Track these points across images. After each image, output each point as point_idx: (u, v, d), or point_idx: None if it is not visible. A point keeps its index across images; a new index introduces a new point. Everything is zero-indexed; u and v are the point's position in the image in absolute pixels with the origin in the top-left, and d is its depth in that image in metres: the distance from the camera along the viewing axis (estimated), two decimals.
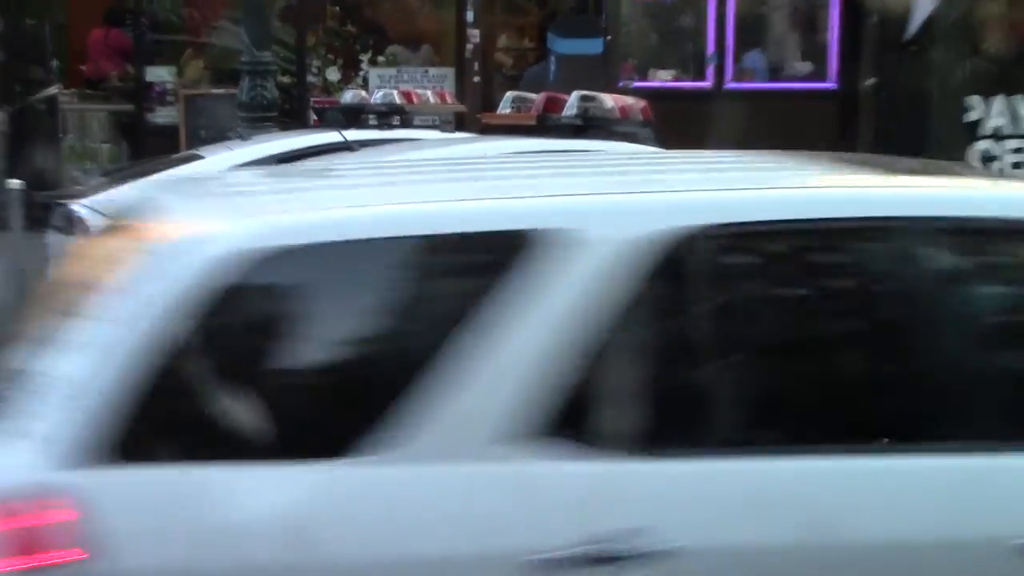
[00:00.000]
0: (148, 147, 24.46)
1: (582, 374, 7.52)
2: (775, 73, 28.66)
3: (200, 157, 18.25)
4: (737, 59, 28.40)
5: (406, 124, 18.73)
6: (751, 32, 28.60)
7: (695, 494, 7.51)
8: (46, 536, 6.41)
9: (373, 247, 7.28)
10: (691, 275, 7.72)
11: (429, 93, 23.01)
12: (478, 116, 23.02)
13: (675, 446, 7.71)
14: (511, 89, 23.34)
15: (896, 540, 7.65)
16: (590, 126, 16.77)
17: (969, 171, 16.88)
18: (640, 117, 17.37)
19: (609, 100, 17.68)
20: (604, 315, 7.60)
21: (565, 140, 15.80)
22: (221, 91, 24.44)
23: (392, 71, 26.48)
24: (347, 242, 7.47)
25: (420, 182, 9.66)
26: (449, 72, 27.09)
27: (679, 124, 20.97)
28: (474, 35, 27.48)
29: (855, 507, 7.60)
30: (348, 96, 22.47)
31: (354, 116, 19.24)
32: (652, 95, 23.14)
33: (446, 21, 27.81)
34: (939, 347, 7.93)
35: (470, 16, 27.45)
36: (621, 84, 24.98)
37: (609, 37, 27.28)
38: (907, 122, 25.53)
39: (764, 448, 7.59)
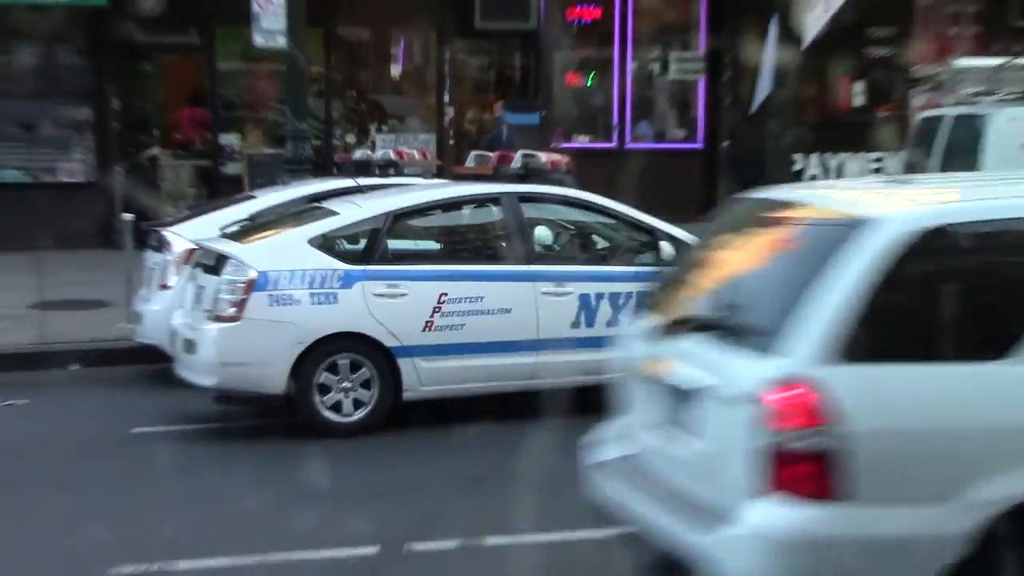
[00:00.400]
0: (221, 191, 24.85)
1: None
2: (659, 137, 28.99)
3: (253, 197, 18.65)
4: (633, 127, 28.95)
5: (399, 173, 18.77)
6: (642, 108, 28.83)
7: None
8: (803, 408, 7.17)
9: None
10: None
11: (415, 152, 23.60)
12: (452, 168, 23.62)
13: None
14: (475, 149, 23.96)
15: None
16: (530, 175, 16.88)
17: None
18: (565, 168, 17.66)
19: (543, 156, 18.14)
20: None
21: (512, 184, 16.26)
22: (272, 151, 24.53)
23: (391, 136, 26.67)
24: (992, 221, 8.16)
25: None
26: (432, 137, 27.33)
27: (594, 173, 21.09)
28: (449, 111, 27.97)
29: None
30: (359, 154, 23.00)
31: (363, 168, 19.66)
32: (574, 153, 23.85)
33: (429, 102, 28.17)
34: None
35: (447, 98, 28.06)
36: (552, 145, 25.24)
37: (544, 112, 27.64)
38: (751, 172, 26.08)
39: None
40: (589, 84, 29.16)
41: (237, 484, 12.97)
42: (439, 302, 14.42)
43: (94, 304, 19.83)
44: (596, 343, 14.63)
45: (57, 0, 25.38)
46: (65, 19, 26.27)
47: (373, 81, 28.73)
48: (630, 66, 28.93)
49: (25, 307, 19.85)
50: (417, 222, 15.34)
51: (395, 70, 28.84)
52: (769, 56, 24.85)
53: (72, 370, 18.12)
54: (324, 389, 14.14)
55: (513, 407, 14.53)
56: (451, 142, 27.38)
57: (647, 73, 29.15)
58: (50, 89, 26.97)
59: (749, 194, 9.55)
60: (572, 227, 15.77)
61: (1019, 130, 18.91)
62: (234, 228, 16.05)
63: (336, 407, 14.20)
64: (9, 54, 26.79)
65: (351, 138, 27.34)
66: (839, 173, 28.91)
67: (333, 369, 14.16)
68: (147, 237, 17.88)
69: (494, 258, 15.06)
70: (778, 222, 8.97)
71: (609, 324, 14.81)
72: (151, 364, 16.67)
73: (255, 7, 22.08)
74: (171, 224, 18.14)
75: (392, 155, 20.71)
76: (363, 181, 17.77)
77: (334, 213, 15.14)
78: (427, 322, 14.37)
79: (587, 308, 14.84)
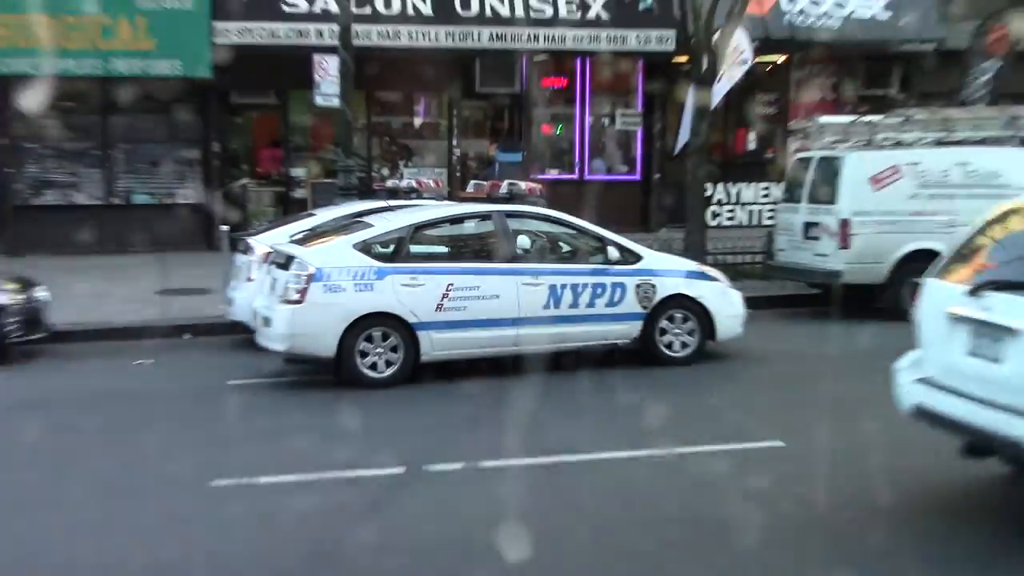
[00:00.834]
0: (290, 210, 24.84)
1: None
2: (608, 171, 28.90)
3: (313, 214, 18.65)
4: (589, 163, 28.91)
5: (419, 197, 18.81)
6: (596, 150, 28.79)
7: None
8: None
9: None
10: None
11: (431, 181, 23.56)
12: (457, 193, 23.57)
13: None
14: (474, 180, 23.87)
15: None
16: (513, 198, 16.78)
17: None
18: (539, 193, 17.67)
19: (523, 185, 17.94)
20: None
21: (501, 204, 16.11)
22: (328, 180, 24.29)
23: (414, 169, 26.57)
24: None
25: None
26: (443, 170, 27.35)
27: (561, 197, 21.15)
28: (456, 152, 27.94)
29: None
30: (390, 183, 22.99)
31: (393, 193, 19.70)
32: (546, 182, 23.81)
33: (442, 145, 28.01)
34: None
35: (455, 142, 27.96)
36: (531, 176, 25.31)
37: (525, 152, 27.71)
38: (675, 198, 26.19)
39: None
40: (558, 132, 29.05)
41: (301, 421, 13.04)
42: (447, 290, 14.49)
43: (200, 291, 19.86)
44: (561, 320, 14.95)
45: (176, 74, 25.31)
46: (182, 87, 26.32)
47: (401, 130, 28.57)
48: (587, 120, 28.86)
49: (152, 293, 19.95)
50: (431, 232, 15.37)
51: (417, 121, 28.70)
52: (687, 113, 24.82)
53: (185, 339, 18.19)
54: (363, 353, 14.22)
55: (501, 367, 14.63)
56: (457, 174, 27.33)
57: (599, 125, 29.02)
58: (170, 136, 27.02)
59: None
60: (544, 236, 15.78)
61: (866, 167, 18.97)
62: (299, 236, 16.12)
63: (372, 366, 14.28)
64: (142, 112, 26.79)
65: (385, 171, 27.25)
66: (738, 197, 29.04)
67: (370, 339, 14.23)
68: (237, 243, 17.89)
69: (487, 258, 15.06)
70: None
71: (571, 306, 15.00)
72: (240, 335, 16.67)
73: (316, 77, 22.12)
74: (254, 233, 18.19)
75: (414, 184, 20.69)
76: (393, 203, 17.77)
77: (371, 225, 15.25)
78: (438, 305, 14.44)
79: (554, 295, 14.87)
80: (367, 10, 24.93)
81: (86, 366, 16.73)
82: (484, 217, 15.65)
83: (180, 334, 18.29)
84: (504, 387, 13.89)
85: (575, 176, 28.54)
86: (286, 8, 25.23)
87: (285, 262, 14.61)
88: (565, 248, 15.80)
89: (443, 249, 15.31)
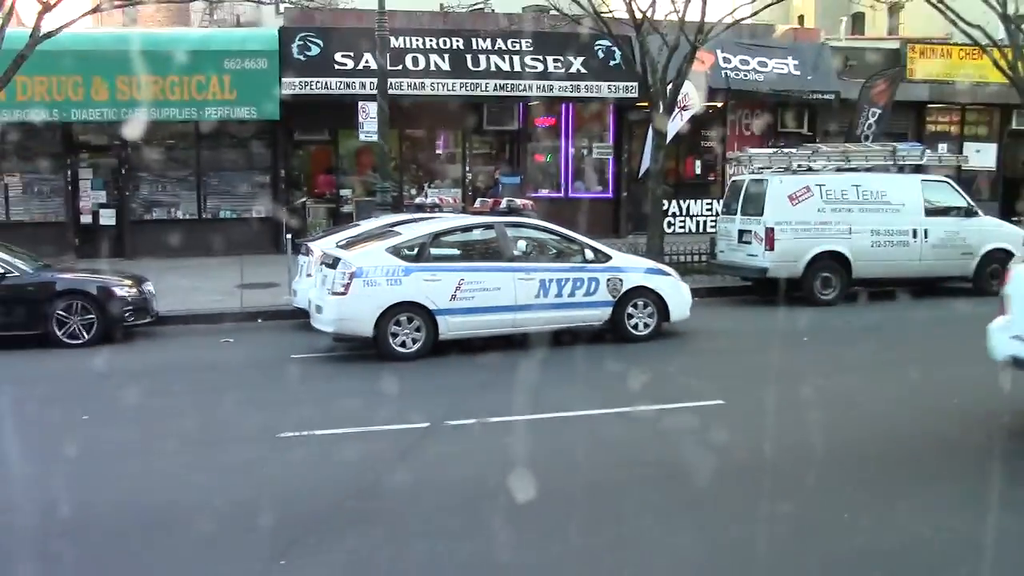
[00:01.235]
0: (339, 222, 24.50)
1: None
2: (587, 190, 28.55)
3: (357, 225, 18.44)
4: (573, 184, 28.59)
5: (439, 211, 18.72)
6: (578, 173, 28.63)
7: None
8: None
9: None
10: None
11: (449, 199, 23.44)
12: (468, 208, 23.38)
13: None
14: (481, 197, 23.71)
15: None
16: (511, 212, 16.68)
17: None
18: (532, 208, 17.58)
19: (519, 201, 17.92)
20: None
21: (502, 217, 15.89)
22: (369, 199, 24.20)
23: (436, 189, 26.30)
24: None
25: None
26: (459, 190, 27.07)
27: (550, 211, 21.14)
28: (468, 175, 27.78)
29: None
30: (417, 200, 22.75)
31: (418, 208, 19.59)
32: (538, 199, 23.75)
33: (457, 170, 27.73)
34: None
35: (467, 168, 27.79)
36: (526, 195, 25.18)
37: (522, 176, 27.56)
38: (640, 212, 26.04)
39: None
40: (548, 160, 28.83)
41: (347, 386, 12.92)
42: (459, 284, 14.31)
43: (270, 285, 19.67)
44: (549, 307, 14.79)
45: (252, 117, 25.29)
46: (256, 127, 26.32)
47: (425, 159, 28.44)
48: (571, 150, 28.69)
49: (233, 287, 19.74)
50: (447, 238, 15.14)
51: (438, 152, 28.58)
52: (648, 145, 24.72)
53: (258, 322, 18.01)
54: (394, 334, 14.03)
55: (507, 344, 14.46)
56: (469, 193, 27.13)
57: (580, 154, 28.87)
58: (247, 165, 26.91)
59: None
60: (535, 241, 15.59)
61: (785, 188, 18.93)
62: (344, 242, 15.91)
63: (402, 344, 14.08)
64: (226, 146, 26.78)
65: (413, 191, 27.08)
66: (687, 211, 28.95)
67: (399, 322, 14.04)
68: (299, 247, 17.76)
69: (491, 259, 14.87)
70: None
71: (556, 296, 14.84)
72: (301, 319, 16.53)
73: (360, 118, 21.97)
74: (312, 240, 18.06)
75: (436, 201, 20.58)
76: (417, 216, 17.63)
77: (400, 233, 15.06)
78: (452, 295, 14.24)
79: (544, 287, 14.70)
80: (399, 67, 24.86)
81: (182, 343, 16.59)
82: (489, 227, 15.46)
83: (254, 319, 18.12)
84: (508, 360, 13.81)
85: (561, 194, 28.23)
86: (336, 66, 25.15)
87: (333, 262, 14.47)
88: (552, 251, 15.61)
89: (456, 251, 15.11)
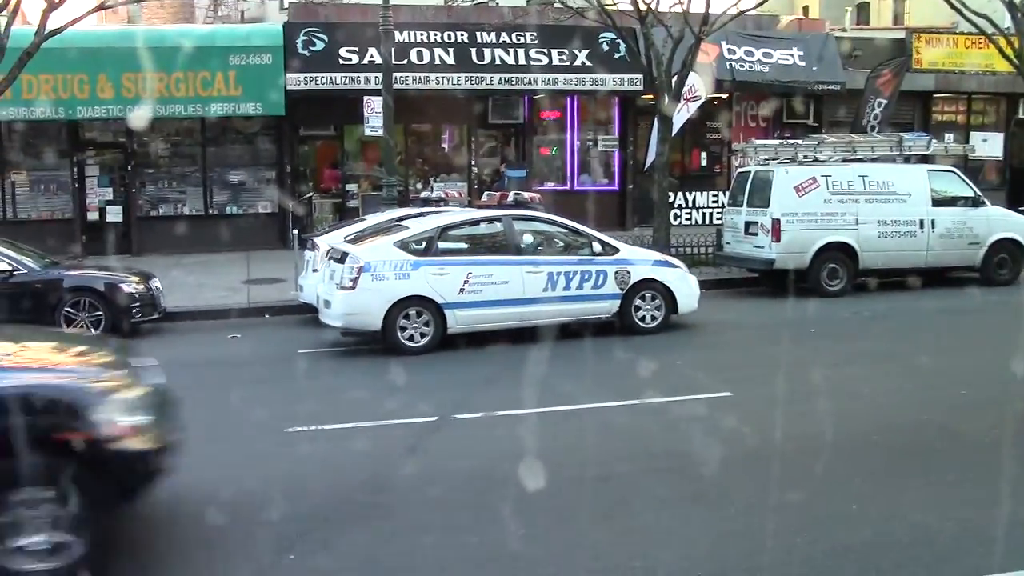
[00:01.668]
0: (346, 217, 24.51)
1: None
2: (593, 183, 28.54)
3: (364, 220, 18.43)
4: (578, 177, 28.63)
5: (446, 205, 18.68)
6: (584, 166, 28.64)
7: None
8: None
9: None
10: None
11: (456, 192, 23.42)
12: (475, 201, 23.37)
13: None
14: (488, 191, 23.73)
15: None
16: (518, 205, 16.68)
17: None
18: (538, 201, 17.59)
19: (526, 194, 17.89)
20: None
21: (509, 210, 15.81)
22: (375, 193, 24.25)
23: (442, 183, 26.30)
24: None
25: None
26: (465, 184, 27.18)
27: (556, 204, 21.02)
28: (474, 168, 27.77)
29: None
30: (423, 194, 22.78)
31: (424, 202, 19.59)
32: (544, 192, 23.67)
33: (463, 164, 27.74)
34: None
35: (473, 162, 27.79)
36: (532, 188, 25.16)
37: (528, 169, 27.43)
38: (646, 205, 25.96)
39: None
40: (554, 153, 28.81)
41: (355, 380, 12.88)
42: (467, 277, 14.33)
43: (276, 280, 19.73)
44: (557, 300, 14.79)
45: (258, 113, 25.33)
46: (262, 122, 26.43)
47: (431, 153, 28.47)
48: (576, 143, 28.66)
49: (240, 282, 19.78)
50: (455, 232, 15.16)
51: (444, 146, 28.57)
52: (653, 137, 24.66)
53: (265, 317, 18.05)
54: (403, 328, 14.05)
55: (514, 337, 14.43)
56: (475, 187, 27.14)
57: (586, 147, 28.83)
58: (253, 161, 26.93)
59: None
60: (542, 234, 15.57)
61: (791, 179, 18.92)
62: (352, 237, 15.94)
63: (410, 338, 14.10)
64: (232, 142, 26.86)
65: (419, 185, 27.08)
66: (693, 203, 28.95)
67: (407, 316, 14.06)
68: (305, 243, 17.77)
69: (498, 252, 14.87)
70: None
71: (564, 289, 14.83)
72: (308, 314, 16.57)
73: (365, 113, 21.99)
74: (318, 235, 18.06)
75: (442, 195, 20.56)
76: (424, 210, 17.60)
77: (407, 227, 15.06)
78: (460, 289, 14.27)
79: (551, 280, 14.72)
80: (404, 61, 24.86)
81: (189, 339, 16.61)
82: (495, 220, 15.46)
83: (261, 314, 18.16)
84: (516, 353, 13.77)
85: (567, 187, 28.22)
86: (341, 61, 25.15)
87: (341, 257, 14.48)
88: (559, 243, 15.61)
89: (464, 245, 15.12)
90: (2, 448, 5.99)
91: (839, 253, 18.91)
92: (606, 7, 23.38)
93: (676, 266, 16.02)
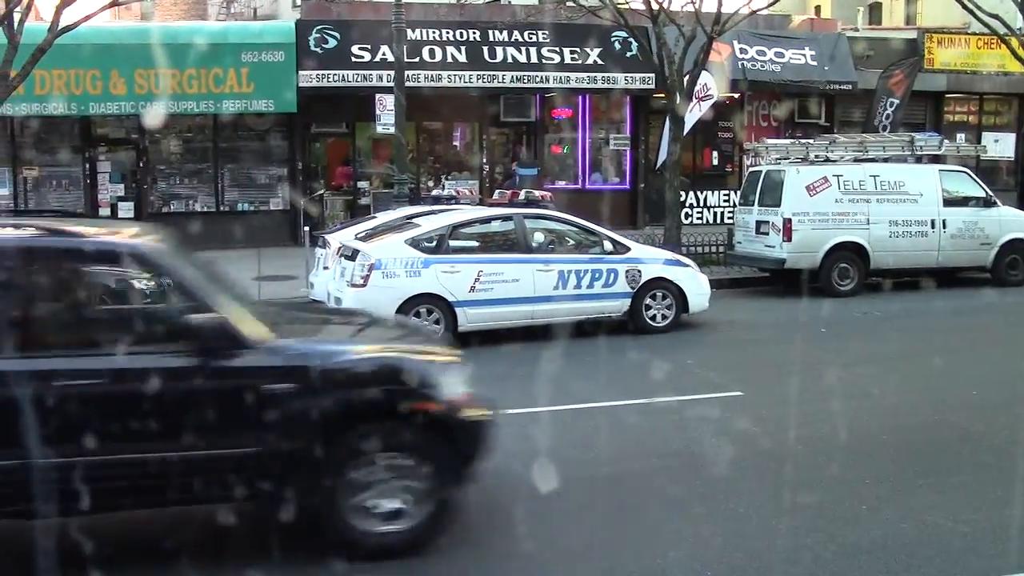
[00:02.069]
0: (357, 214, 24.67)
1: None
2: (604, 182, 28.53)
3: (375, 217, 18.32)
4: (590, 176, 28.66)
5: (457, 203, 18.66)
6: (595, 165, 28.59)
7: None
8: None
9: None
10: None
11: (467, 190, 23.47)
12: (486, 200, 23.35)
13: None
14: (499, 189, 23.77)
15: None
16: (529, 203, 16.71)
17: None
18: (549, 199, 17.60)
19: (537, 193, 17.92)
20: None
21: (520, 208, 15.91)
22: (386, 191, 23.93)
23: (453, 181, 26.27)
24: None
25: None
26: (476, 182, 27.15)
27: (567, 202, 20.97)
28: (485, 166, 27.77)
29: None
30: (434, 192, 22.92)
31: (437, 200, 19.56)
32: (555, 191, 23.67)
33: (474, 162, 27.74)
34: None
35: (484, 160, 27.81)
36: (543, 186, 25.19)
37: (539, 167, 27.42)
38: (656, 203, 25.90)
39: None
40: (565, 151, 28.80)
41: None
42: (478, 276, 14.34)
43: (288, 277, 19.69)
44: (568, 298, 14.80)
45: (269, 110, 25.39)
46: (274, 120, 26.44)
47: (443, 151, 28.48)
48: (588, 142, 28.67)
49: (251, 279, 19.68)
50: (466, 230, 15.15)
51: (456, 144, 28.58)
52: (665, 136, 24.66)
53: None
54: None
55: (526, 335, 14.48)
56: (486, 185, 27.13)
57: (597, 145, 28.82)
58: (265, 158, 26.96)
59: None
60: (553, 233, 15.56)
61: (802, 178, 18.91)
62: (363, 234, 15.92)
63: None
64: (244, 139, 26.87)
65: (430, 183, 27.07)
66: (705, 202, 28.91)
67: (418, 314, 14.02)
68: (316, 240, 17.72)
69: (509, 250, 14.87)
70: None
71: (575, 287, 14.84)
72: None
73: (377, 111, 21.97)
74: (329, 232, 18.00)
75: (453, 193, 20.58)
76: (438, 208, 17.57)
77: (418, 225, 15.08)
78: (471, 287, 14.28)
79: (562, 278, 14.72)
80: (416, 59, 24.88)
81: None
82: (507, 218, 15.44)
83: None
84: (527, 351, 13.75)
85: (578, 186, 28.22)
86: (353, 59, 25.19)
87: (352, 255, 14.48)
88: (570, 242, 15.60)
89: (475, 243, 15.10)
90: (366, 415, 6.72)
91: (850, 253, 18.88)
92: (618, 6, 23.35)
93: (687, 265, 16.01)
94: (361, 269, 14.07)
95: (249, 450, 6.45)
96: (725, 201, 28.64)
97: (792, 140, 22.36)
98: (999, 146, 30.16)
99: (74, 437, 6.11)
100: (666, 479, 8.35)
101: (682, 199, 25.81)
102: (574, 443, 9.50)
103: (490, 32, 26.34)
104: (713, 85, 25.42)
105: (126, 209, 25.89)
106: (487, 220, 15.68)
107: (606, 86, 26.79)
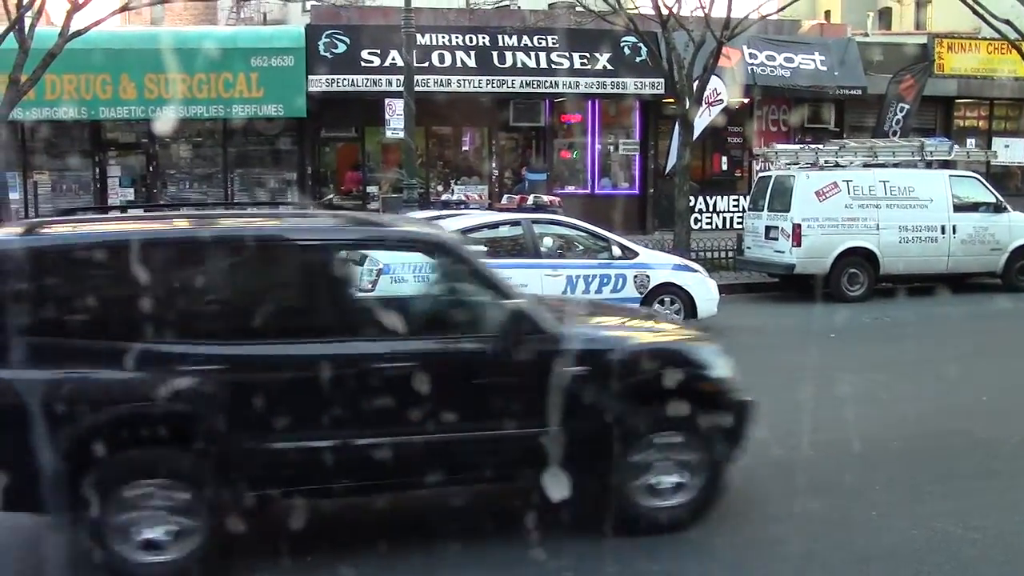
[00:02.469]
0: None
1: None
2: (613, 187, 28.50)
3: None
4: (599, 181, 28.59)
5: (465, 208, 18.74)
6: (605, 170, 28.65)
7: None
8: None
9: None
10: None
11: (476, 195, 23.58)
12: (495, 205, 23.40)
13: None
14: (508, 194, 23.86)
15: None
16: (538, 208, 16.75)
17: None
18: (558, 205, 17.66)
19: (545, 198, 18.06)
20: None
21: (529, 213, 16.06)
22: (396, 195, 24.08)
23: (462, 186, 26.30)
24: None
25: None
26: (485, 187, 27.08)
27: (576, 208, 21.14)
28: (495, 171, 27.67)
29: None
30: (443, 197, 23.03)
31: (444, 205, 19.70)
32: (565, 196, 23.82)
33: (484, 167, 27.64)
34: None
35: (494, 165, 27.71)
36: (552, 191, 25.30)
37: (548, 173, 27.50)
38: (666, 208, 25.89)
39: None
40: (574, 156, 28.81)
41: None
42: None
43: None
44: None
45: (279, 115, 25.37)
46: (284, 124, 26.41)
47: (452, 156, 28.49)
48: (597, 147, 28.67)
49: None
50: (475, 235, 15.06)
51: (465, 149, 28.60)
52: (674, 141, 24.69)
53: None
54: None
55: None
56: (496, 190, 27.11)
57: (606, 151, 28.84)
58: (274, 163, 27.02)
59: None
60: (561, 238, 15.55)
61: (812, 184, 18.94)
62: None
63: None
64: (253, 144, 26.88)
65: (440, 188, 27.10)
66: (714, 207, 28.84)
67: None
68: None
69: (518, 255, 14.85)
70: None
71: (583, 293, 14.76)
72: None
73: (387, 115, 22.03)
74: None
75: (463, 197, 20.64)
76: (447, 213, 17.57)
77: None
78: None
79: (570, 283, 14.72)
80: (426, 64, 24.86)
81: None
82: (515, 223, 15.46)
83: None
84: None
85: (587, 191, 28.18)
86: (363, 64, 25.18)
87: (360, 259, 14.45)
88: (579, 247, 15.60)
89: (483, 248, 15.08)
90: (653, 397, 7.12)
91: (860, 258, 18.86)
92: (628, 11, 23.31)
93: (695, 270, 15.99)
94: (370, 273, 14.01)
95: (548, 430, 6.73)
96: (735, 206, 28.57)
97: (802, 145, 22.33)
98: (1009, 151, 30.08)
99: (400, 417, 6.54)
100: None
101: (691, 204, 25.80)
102: None
103: (500, 37, 26.31)
104: (723, 90, 25.37)
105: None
106: (495, 225, 15.64)
107: (616, 91, 26.78)
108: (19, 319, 6.13)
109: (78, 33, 19.27)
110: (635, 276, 15.09)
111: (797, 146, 21.99)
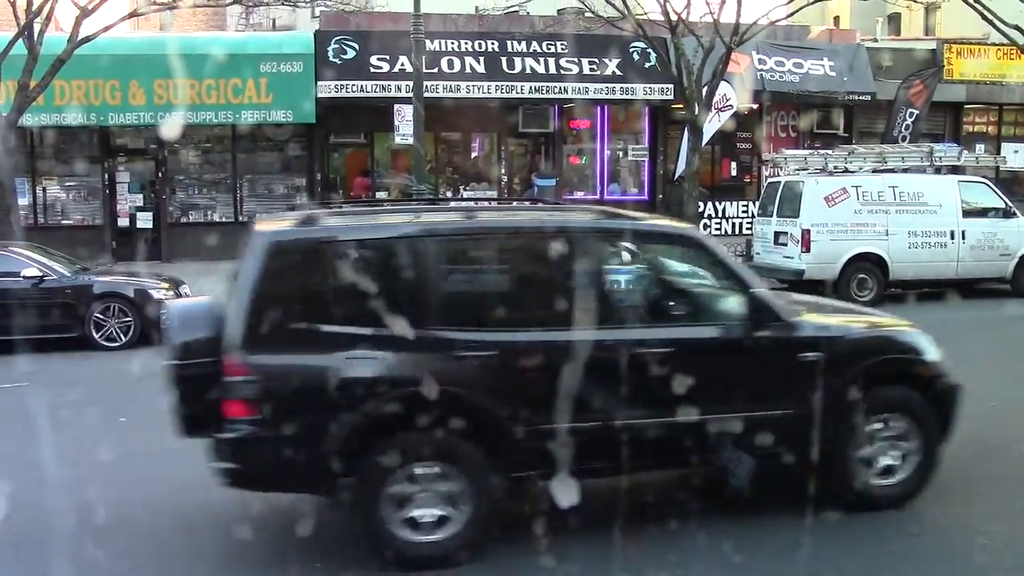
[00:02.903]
0: None
1: None
2: (623, 192, 28.49)
3: None
4: (608, 186, 28.56)
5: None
6: (614, 175, 28.65)
7: None
8: None
9: None
10: None
11: (485, 201, 23.49)
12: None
13: None
14: (517, 200, 23.78)
15: None
16: None
17: None
18: None
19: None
20: None
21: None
22: (405, 199, 24.39)
23: (472, 192, 26.72)
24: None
25: None
26: (494, 192, 27.23)
27: None
28: (504, 177, 27.68)
29: None
30: (453, 203, 22.94)
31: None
32: (573, 202, 23.75)
33: (493, 173, 27.66)
34: None
35: (503, 170, 27.80)
36: (562, 197, 25.23)
37: (558, 178, 27.42)
38: (675, 214, 25.79)
39: None
40: (584, 162, 28.82)
41: None
42: None
43: None
44: None
45: (288, 121, 25.44)
46: (292, 130, 26.54)
47: (461, 161, 28.50)
48: (606, 153, 28.67)
49: None
50: None
51: (474, 155, 28.60)
52: (683, 147, 24.70)
53: None
54: None
55: None
56: (505, 195, 27.16)
57: (616, 156, 28.83)
58: (283, 168, 27.10)
59: None
60: None
61: (821, 189, 18.92)
62: None
63: None
64: (262, 150, 27.02)
65: (449, 193, 27.15)
66: (723, 212, 28.81)
67: None
68: None
69: None
70: None
71: None
72: None
73: (396, 121, 22.05)
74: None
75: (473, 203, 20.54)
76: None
77: None
78: None
79: None
80: (435, 70, 24.90)
81: None
82: None
83: None
84: None
85: (597, 196, 28.10)
86: (372, 70, 25.21)
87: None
88: None
89: None
90: (877, 380, 7.59)
91: (869, 264, 18.85)
92: (637, 17, 23.32)
93: None
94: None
95: (785, 412, 7.19)
96: (744, 212, 28.58)
97: (811, 151, 22.33)
98: (1018, 157, 30.01)
99: (655, 400, 6.89)
100: (687, 491, 8.19)
101: (701, 210, 25.81)
102: None
103: (509, 43, 26.34)
104: (732, 96, 25.39)
105: (145, 219, 25.98)
106: None
107: (625, 97, 26.79)
108: (318, 308, 6.64)
109: (87, 39, 19.33)
110: None
111: (806, 152, 22.01)
